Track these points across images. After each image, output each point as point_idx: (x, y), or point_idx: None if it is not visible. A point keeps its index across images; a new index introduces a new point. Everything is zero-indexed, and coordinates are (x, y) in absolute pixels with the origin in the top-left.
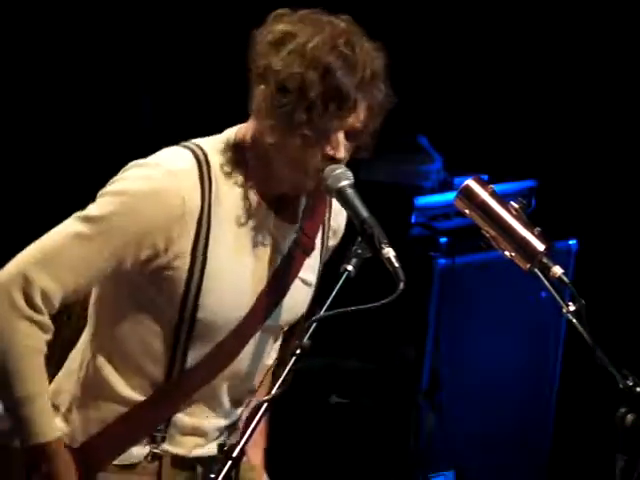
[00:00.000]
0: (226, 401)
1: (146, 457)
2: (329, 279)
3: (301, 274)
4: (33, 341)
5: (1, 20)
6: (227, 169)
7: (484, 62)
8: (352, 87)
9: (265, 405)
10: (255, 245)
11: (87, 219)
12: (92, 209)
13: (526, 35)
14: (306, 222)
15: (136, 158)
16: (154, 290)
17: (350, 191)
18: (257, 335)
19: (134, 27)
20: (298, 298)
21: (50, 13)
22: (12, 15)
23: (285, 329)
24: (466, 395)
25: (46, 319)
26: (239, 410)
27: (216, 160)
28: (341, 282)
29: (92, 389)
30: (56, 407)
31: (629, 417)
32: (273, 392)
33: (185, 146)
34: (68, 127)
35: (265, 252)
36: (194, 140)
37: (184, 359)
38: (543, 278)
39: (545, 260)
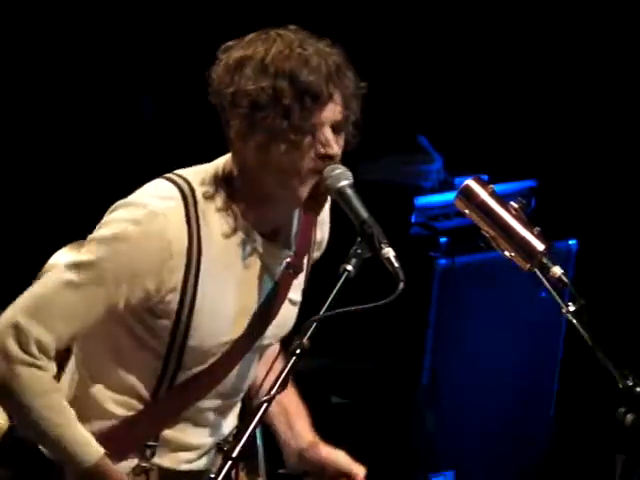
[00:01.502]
0: (213, 417)
1: (134, 469)
2: (329, 279)
3: (289, 295)
4: (39, 384)
5: (2, 20)
6: (216, 201)
7: (484, 62)
8: (322, 82)
9: (265, 405)
10: (247, 273)
11: (77, 266)
12: (81, 256)
13: (526, 35)
14: (296, 244)
15: (137, 157)
16: (143, 326)
17: (350, 191)
18: (247, 355)
19: (135, 27)
20: (287, 317)
21: (51, 13)
22: (13, 15)
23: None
24: (466, 395)
25: (45, 362)
26: (227, 424)
27: (204, 194)
28: (341, 282)
29: (81, 406)
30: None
31: (629, 417)
32: (273, 392)
33: (171, 180)
34: (70, 126)
35: (257, 278)
36: (181, 172)
37: (172, 382)
38: (543, 278)
39: (545, 260)
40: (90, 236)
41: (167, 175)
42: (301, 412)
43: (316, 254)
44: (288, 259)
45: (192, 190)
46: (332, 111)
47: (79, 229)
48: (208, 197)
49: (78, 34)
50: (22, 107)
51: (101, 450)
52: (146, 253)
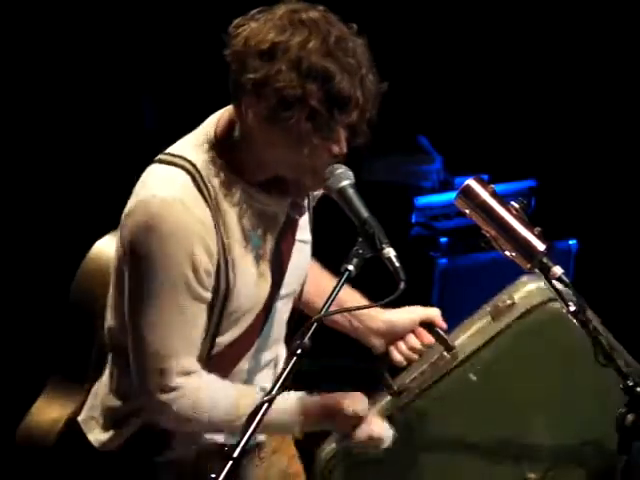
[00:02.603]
0: (267, 370)
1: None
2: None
3: (298, 236)
4: (192, 401)
5: (3, 21)
6: (218, 169)
7: (484, 62)
8: (352, 89)
9: (265, 405)
10: (257, 227)
11: (152, 294)
12: (148, 283)
13: (526, 35)
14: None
15: (138, 158)
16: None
17: (351, 191)
18: (276, 304)
19: (136, 28)
20: (300, 259)
21: (52, 14)
22: (14, 16)
23: (298, 290)
24: None
25: (185, 380)
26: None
27: (205, 166)
28: (342, 282)
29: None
30: (95, 419)
31: (629, 417)
32: (273, 392)
33: (171, 163)
34: (71, 127)
35: (267, 230)
36: (175, 150)
37: (216, 340)
38: (543, 278)
39: (545, 260)
40: (129, 261)
41: (162, 158)
42: (348, 292)
43: (316, 192)
44: (289, 204)
45: (194, 166)
46: (354, 115)
47: (79, 233)
48: (210, 168)
49: (80, 37)
50: (24, 108)
51: (298, 395)
52: (190, 240)
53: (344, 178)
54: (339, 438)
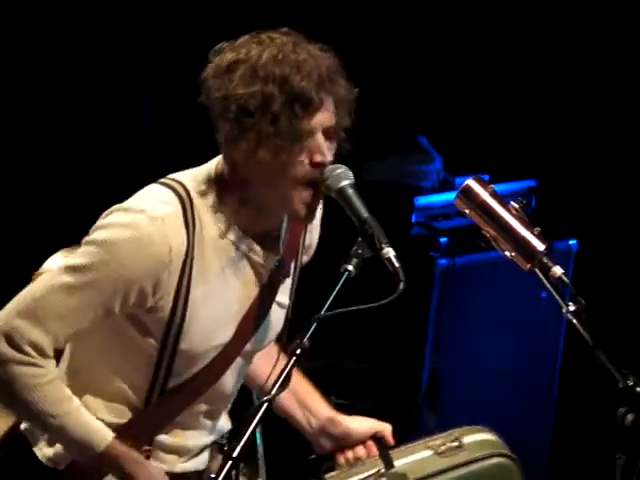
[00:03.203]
0: (206, 420)
1: None
2: (329, 279)
3: (277, 298)
4: (33, 378)
5: (3, 21)
6: (210, 205)
7: (484, 62)
8: (313, 88)
9: (266, 405)
10: (238, 276)
11: (73, 269)
12: (78, 259)
13: (526, 35)
14: (284, 249)
15: (138, 158)
16: (136, 329)
17: (351, 191)
18: (238, 358)
19: (136, 28)
20: (274, 321)
21: (53, 14)
22: (14, 16)
23: (263, 350)
24: (466, 395)
25: (40, 359)
26: (220, 424)
27: (199, 197)
28: (341, 282)
29: None
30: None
31: (629, 417)
32: (273, 392)
33: (167, 185)
34: (71, 127)
35: (247, 283)
36: (175, 176)
37: (164, 387)
38: (543, 278)
39: (545, 260)
40: (86, 239)
41: (162, 180)
42: (310, 390)
43: (305, 258)
44: (276, 264)
45: (188, 194)
46: (323, 117)
47: (78, 232)
48: (202, 201)
49: (79, 36)
50: (24, 107)
51: (111, 434)
52: (146, 258)
53: (344, 178)
54: None
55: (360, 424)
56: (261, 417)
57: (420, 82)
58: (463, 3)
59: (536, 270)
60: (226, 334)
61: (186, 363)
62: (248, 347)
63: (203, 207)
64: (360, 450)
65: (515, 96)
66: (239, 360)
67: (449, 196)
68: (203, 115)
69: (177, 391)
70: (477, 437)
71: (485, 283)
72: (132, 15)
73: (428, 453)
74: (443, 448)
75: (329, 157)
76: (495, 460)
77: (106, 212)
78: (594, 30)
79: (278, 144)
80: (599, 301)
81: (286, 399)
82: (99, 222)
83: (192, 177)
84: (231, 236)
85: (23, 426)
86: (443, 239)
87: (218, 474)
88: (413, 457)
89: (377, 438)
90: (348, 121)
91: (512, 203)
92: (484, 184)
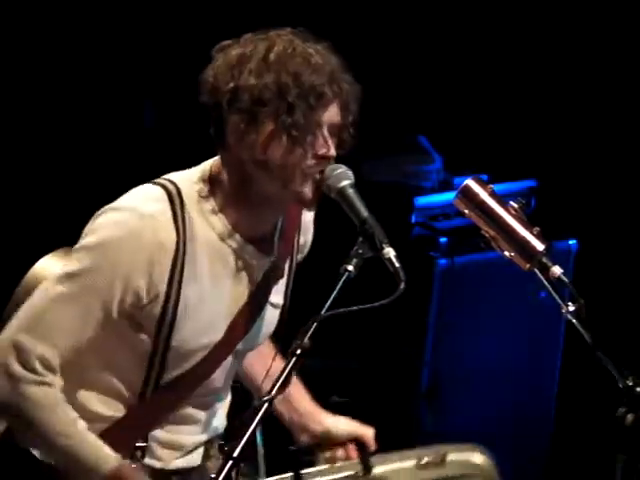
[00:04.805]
0: (200, 416)
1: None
2: (329, 279)
3: (271, 298)
4: (46, 399)
5: (3, 23)
6: (202, 205)
7: (484, 62)
8: (324, 83)
9: (265, 405)
10: (230, 276)
11: (69, 277)
12: (72, 266)
13: (526, 35)
14: (278, 250)
15: (139, 160)
16: (129, 326)
17: (351, 191)
18: (230, 357)
19: (137, 30)
20: (267, 321)
21: (55, 16)
22: (14, 18)
23: (254, 349)
24: (466, 395)
25: (50, 377)
26: (216, 421)
27: (191, 196)
28: (341, 282)
29: None
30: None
31: (629, 417)
32: (273, 392)
33: (158, 183)
34: (70, 132)
35: (239, 283)
36: (168, 175)
37: (157, 382)
38: (543, 278)
39: (544, 260)
40: (78, 245)
41: (154, 180)
42: (296, 384)
43: (300, 257)
44: (269, 265)
45: (179, 192)
46: (332, 113)
47: (78, 233)
48: (194, 199)
49: (80, 39)
50: (24, 110)
51: (117, 456)
52: (137, 254)
53: (344, 178)
54: None
55: (341, 427)
56: (261, 417)
57: (420, 82)
58: (463, 3)
59: (535, 270)
60: (217, 333)
61: (178, 360)
62: (240, 346)
63: (194, 206)
64: (339, 452)
65: (515, 96)
66: (230, 359)
67: (449, 196)
68: (202, 117)
69: (171, 387)
70: (462, 456)
71: (485, 283)
72: (132, 17)
73: (410, 464)
74: (425, 460)
75: (333, 151)
76: None
77: (97, 213)
78: (594, 30)
79: (293, 135)
80: (599, 301)
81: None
82: (90, 225)
83: (185, 177)
84: (224, 236)
85: None
86: (443, 239)
87: (218, 474)
88: (393, 465)
89: (359, 442)
90: (352, 119)
91: (511, 203)
92: (483, 184)
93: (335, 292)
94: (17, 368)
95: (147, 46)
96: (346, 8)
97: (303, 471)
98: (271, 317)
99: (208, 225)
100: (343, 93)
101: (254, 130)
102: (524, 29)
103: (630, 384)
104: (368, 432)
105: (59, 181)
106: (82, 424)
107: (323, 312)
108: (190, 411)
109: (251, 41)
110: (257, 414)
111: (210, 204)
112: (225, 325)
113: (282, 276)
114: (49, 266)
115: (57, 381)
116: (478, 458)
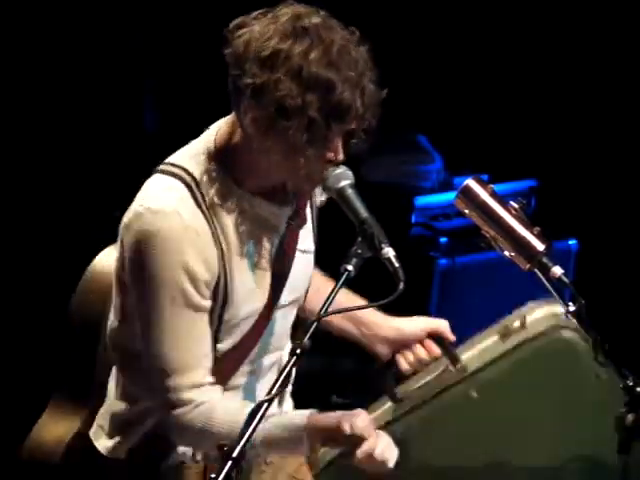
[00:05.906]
0: (263, 363)
1: (193, 457)
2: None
3: (299, 246)
4: (208, 412)
5: (4, 22)
6: (215, 179)
7: (484, 62)
8: (352, 100)
9: (266, 405)
10: (256, 238)
11: (154, 306)
12: (149, 296)
13: (526, 35)
14: (295, 198)
15: (139, 160)
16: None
17: (350, 191)
18: (276, 313)
19: (138, 29)
20: (302, 269)
21: (54, 15)
22: (14, 17)
23: (301, 299)
24: None
25: (200, 394)
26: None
27: (203, 176)
28: (341, 282)
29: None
30: (102, 427)
31: (629, 417)
32: (273, 392)
33: (169, 173)
34: (71, 136)
35: (266, 240)
36: (174, 160)
37: (216, 346)
38: (543, 278)
39: (545, 260)
40: (135, 275)
41: (162, 169)
42: (349, 297)
43: (319, 198)
44: (289, 213)
45: (192, 176)
46: (350, 122)
47: (80, 235)
48: (207, 177)
49: (82, 40)
50: (25, 110)
51: (302, 412)
52: (188, 250)
53: (343, 178)
54: (342, 452)
55: (413, 324)
56: (261, 417)
57: (420, 82)
58: (463, 3)
59: (536, 270)
60: (261, 296)
61: (229, 332)
62: (283, 300)
63: (210, 184)
64: (419, 350)
65: (515, 96)
66: (281, 314)
67: (449, 196)
68: (203, 118)
69: (228, 354)
70: (540, 312)
71: (485, 283)
72: (133, 18)
73: (494, 339)
74: (506, 332)
75: (342, 156)
76: (557, 335)
77: (123, 231)
78: (594, 30)
79: (307, 153)
80: (599, 301)
81: (334, 318)
82: (123, 244)
83: (191, 156)
84: (242, 202)
85: (91, 430)
86: (443, 239)
87: (218, 474)
88: (479, 346)
89: (436, 336)
90: (372, 123)
91: (512, 203)
92: (483, 184)
93: (335, 292)
94: (176, 411)
95: (149, 49)
96: (346, 8)
97: (396, 390)
98: (305, 264)
99: (227, 197)
100: (368, 102)
101: (268, 131)
102: (524, 29)
103: (630, 384)
104: (441, 323)
105: (61, 184)
106: (249, 404)
107: (323, 312)
108: (243, 380)
109: (288, 35)
110: (257, 414)
111: (223, 178)
112: (266, 284)
113: (305, 222)
114: (107, 260)
115: (206, 394)
116: (559, 308)
